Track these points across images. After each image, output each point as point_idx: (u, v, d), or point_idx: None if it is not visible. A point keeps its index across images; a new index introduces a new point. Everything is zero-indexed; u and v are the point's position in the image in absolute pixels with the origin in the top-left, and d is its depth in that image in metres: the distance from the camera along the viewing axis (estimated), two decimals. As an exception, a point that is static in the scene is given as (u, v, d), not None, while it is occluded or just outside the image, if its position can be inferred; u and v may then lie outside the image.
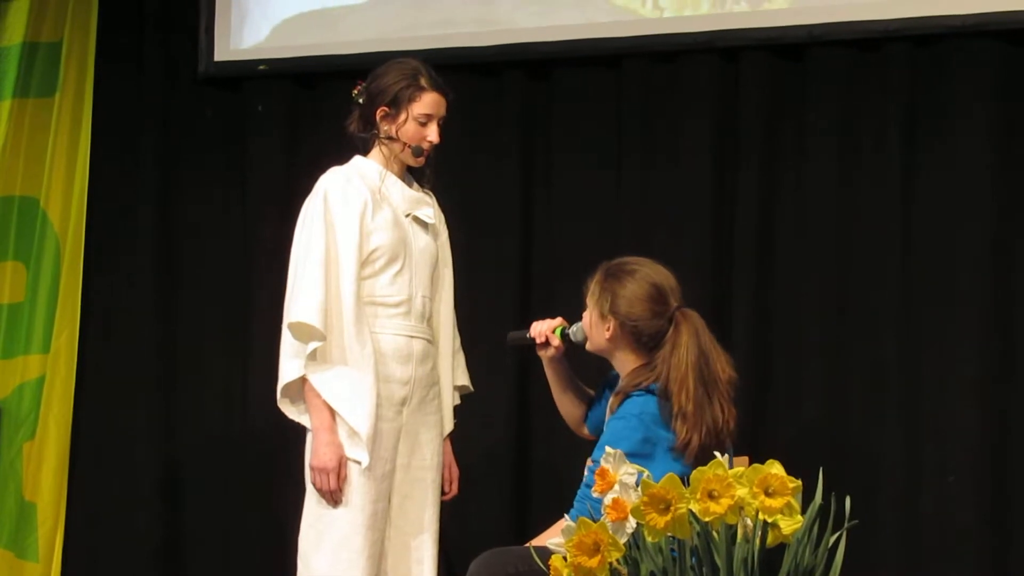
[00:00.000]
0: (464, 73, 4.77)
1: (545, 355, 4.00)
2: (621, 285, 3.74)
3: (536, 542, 3.49)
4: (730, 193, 4.74)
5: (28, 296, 5.35)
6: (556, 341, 3.95)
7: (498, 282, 4.92)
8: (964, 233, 4.50)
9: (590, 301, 3.80)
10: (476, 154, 4.97)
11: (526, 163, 4.97)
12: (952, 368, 4.48)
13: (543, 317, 4.05)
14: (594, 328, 3.79)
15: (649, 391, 3.64)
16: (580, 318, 3.87)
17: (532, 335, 3.98)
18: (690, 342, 3.66)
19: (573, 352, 3.97)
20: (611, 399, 3.78)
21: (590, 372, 4.05)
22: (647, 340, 3.72)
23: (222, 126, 5.32)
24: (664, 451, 3.58)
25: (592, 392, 4.04)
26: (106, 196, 5.39)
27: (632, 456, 3.43)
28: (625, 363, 3.77)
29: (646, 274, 3.75)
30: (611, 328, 3.74)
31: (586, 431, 4.05)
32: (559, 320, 3.95)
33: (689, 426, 3.57)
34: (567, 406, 4.06)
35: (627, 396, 3.65)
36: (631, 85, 4.87)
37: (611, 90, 4.90)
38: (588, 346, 3.85)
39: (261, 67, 5.23)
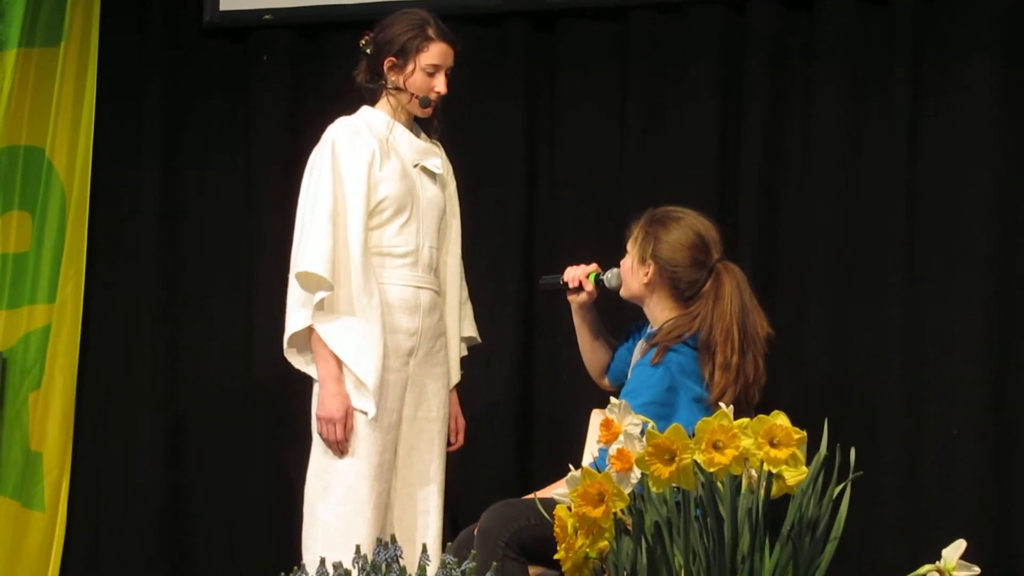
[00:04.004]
0: (468, 23, 4.74)
1: (576, 300, 4.00)
2: (666, 230, 3.76)
3: (542, 494, 3.51)
4: (735, 146, 4.73)
5: (34, 246, 5.34)
6: (589, 286, 3.95)
7: (503, 234, 4.91)
8: (970, 187, 4.49)
9: (631, 245, 3.82)
10: (480, 105, 4.95)
11: (531, 113, 4.95)
12: (956, 322, 4.48)
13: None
14: (632, 272, 3.81)
15: (687, 344, 3.66)
16: (616, 264, 3.87)
17: (565, 279, 3.98)
18: (733, 294, 3.70)
19: (603, 301, 3.98)
20: (642, 344, 3.78)
21: (617, 324, 4.06)
22: (684, 288, 3.74)
23: (227, 76, 5.31)
24: (688, 401, 3.60)
25: (617, 342, 4.04)
26: (111, 145, 5.37)
27: (656, 404, 3.47)
28: (658, 311, 3.78)
29: (691, 223, 3.78)
30: (650, 273, 3.76)
31: (607, 382, 4.06)
32: (594, 266, 3.95)
33: (729, 378, 3.61)
34: (592, 354, 4.06)
35: (667, 349, 3.65)
36: (637, 36, 4.85)
37: (617, 41, 4.88)
38: (622, 292, 3.86)
39: (266, 17, 5.20)
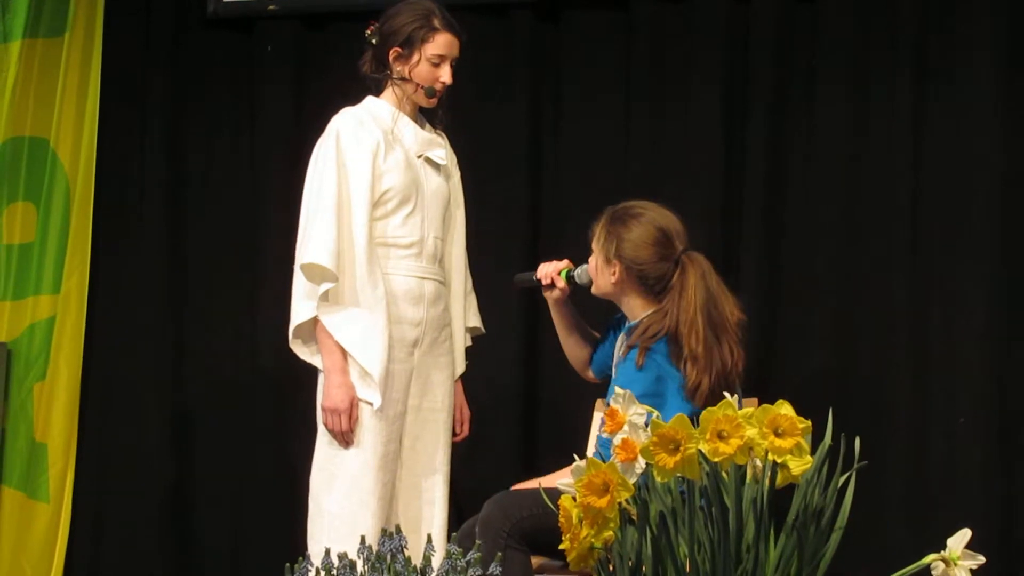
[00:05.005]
0: (473, 14, 4.73)
1: (551, 297, 4.01)
2: (627, 229, 3.75)
3: (546, 481, 3.51)
4: (740, 136, 4.73)
5: (38, 236, 5.34)
6: (562, 283, 3.96)
7: (507, 224, 4.91)
8: (974, 176, 4.50)
9: (595, 246, 3.81)
10: (484, 96, 4.95)
11: (535, 104, 4.95)
12: (962, 312, 4.48)
13: (552, 259, 4.05)
14: (600, 272, 3.80)
15: (664, 340, 3.65)
16: (587, 261, 3.87)
17: (538, 277, 3.99)
18: (697, 284, 3.67)
19: (578, 294, 3.98)
20: (623, 342, 3.78)
21: (596, 315, 4.05)
22: (653, 283, 3.73)
23: (231, 66, 5.30)
24: (676, 389, 3.60)
25: (598, 335, 4.04)
26: (116, 136, 5.37)
27: (647, 396, 3.46)
28: (633, 307, 3.78)
29: (652, 218, 3.75)
30: (617, 272, 3.75)
31: (591, 374, 4.06)
32: (565, 262, 3.96)
33: (699, 369, 3.59)
34: (572, 348, 4.07)
35: (647, 350, 3.64)
36: (640, 26, 4.85)
37: (621, 31, 4.88)
38: (593, 290, 3.86)
39: (271, 7, 5.20)
